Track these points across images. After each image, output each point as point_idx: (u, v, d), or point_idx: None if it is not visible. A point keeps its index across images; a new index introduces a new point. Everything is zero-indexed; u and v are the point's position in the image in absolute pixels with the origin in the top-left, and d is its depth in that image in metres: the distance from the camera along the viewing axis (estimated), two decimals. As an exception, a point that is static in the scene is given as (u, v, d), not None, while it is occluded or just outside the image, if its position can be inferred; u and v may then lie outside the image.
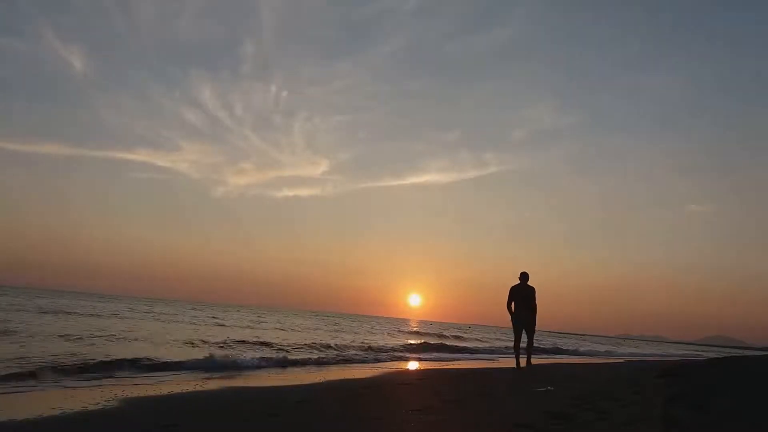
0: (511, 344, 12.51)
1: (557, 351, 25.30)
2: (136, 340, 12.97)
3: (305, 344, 15.41)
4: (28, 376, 6.66)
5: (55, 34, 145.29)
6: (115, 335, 13.53)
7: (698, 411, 4.31)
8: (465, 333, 40.43)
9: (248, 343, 14.60)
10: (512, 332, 10.71)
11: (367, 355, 13.96)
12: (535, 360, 11.95)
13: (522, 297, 10.16)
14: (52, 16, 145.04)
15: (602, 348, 34.26)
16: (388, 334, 29.37)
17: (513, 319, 10.28)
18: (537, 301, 10.22)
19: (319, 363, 11.52)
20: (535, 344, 11.21)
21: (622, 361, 20.58)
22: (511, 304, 10.23)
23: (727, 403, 4.84)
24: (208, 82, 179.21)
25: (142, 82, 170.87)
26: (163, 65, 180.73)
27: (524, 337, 10.61)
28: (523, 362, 10.80)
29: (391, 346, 17.54)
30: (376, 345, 17.36)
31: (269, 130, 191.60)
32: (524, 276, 10.19)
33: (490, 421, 4.56)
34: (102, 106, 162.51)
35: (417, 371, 11.53)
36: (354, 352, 14.61)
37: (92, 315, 22.96)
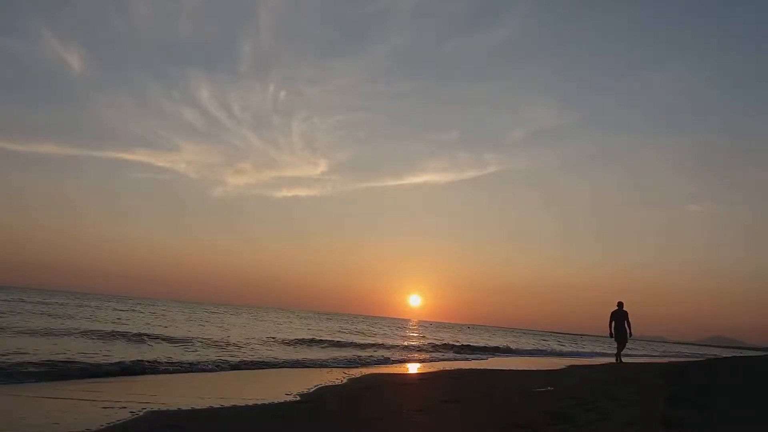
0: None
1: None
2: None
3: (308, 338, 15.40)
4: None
5: (54, 34, 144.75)
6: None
7: (698, 411, 4.32)
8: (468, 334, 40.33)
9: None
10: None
11: (370, 356, 13.94)
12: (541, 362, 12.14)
13: (619, 318, 14.23)
14: (51, 16, 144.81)
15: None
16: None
17: (612, 334, 14.32)
18: (630, 320, 14.27)
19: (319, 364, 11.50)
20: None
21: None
22: (611, 324, 14.32)
23: (727, 403, 4.86)
24: (206, 82, 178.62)
25: (140, 82, 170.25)
26: (162, 65, 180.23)
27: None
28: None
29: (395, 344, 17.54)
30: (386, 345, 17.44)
31: (268, 130, 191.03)
32: (620, 304, 14.31)
33: (490, 421, 4.57)
34: (100, 106, 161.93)
35: (417, 371, 11.54)
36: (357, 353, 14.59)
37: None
